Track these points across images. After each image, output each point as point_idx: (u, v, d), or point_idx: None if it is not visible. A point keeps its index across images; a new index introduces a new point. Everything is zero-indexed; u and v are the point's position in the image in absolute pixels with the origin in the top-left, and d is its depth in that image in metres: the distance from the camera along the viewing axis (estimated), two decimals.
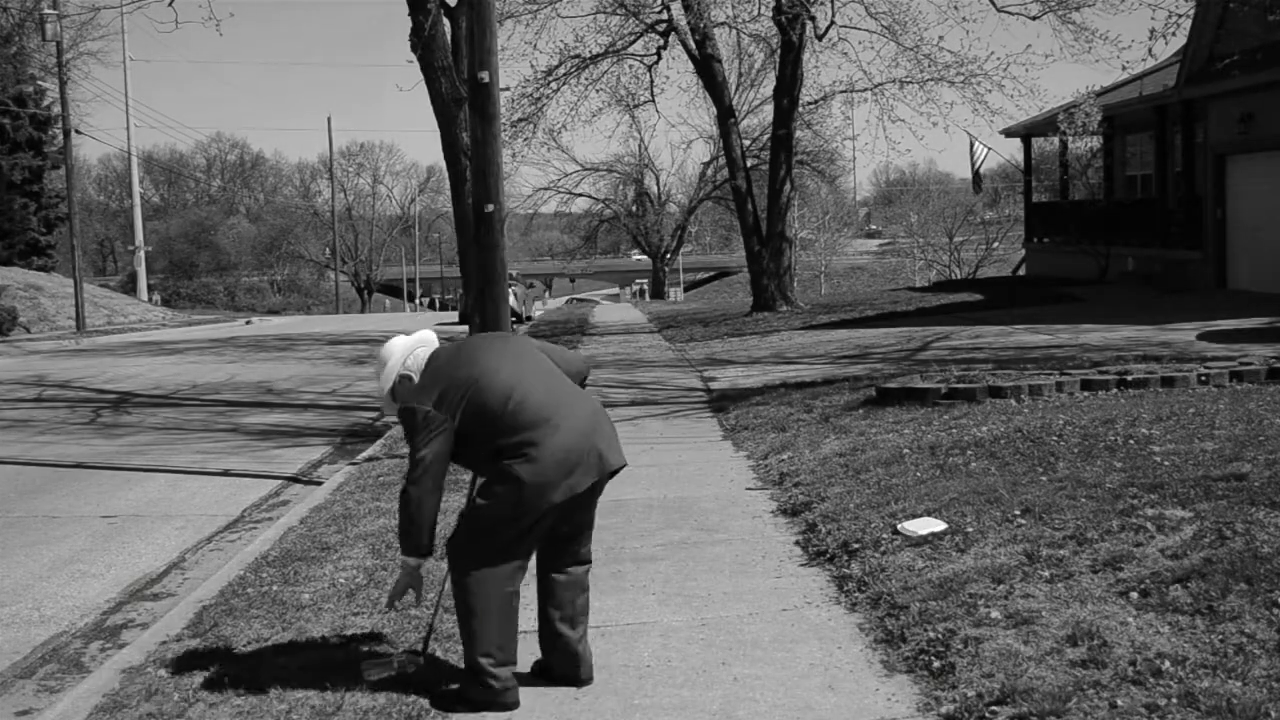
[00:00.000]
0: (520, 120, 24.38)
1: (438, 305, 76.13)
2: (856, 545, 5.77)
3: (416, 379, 4.31)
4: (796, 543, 6.25)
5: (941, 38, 58.94)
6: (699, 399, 12.35)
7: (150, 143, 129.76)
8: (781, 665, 4.52)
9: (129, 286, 57.32)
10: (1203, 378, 9.31)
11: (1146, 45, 23.33)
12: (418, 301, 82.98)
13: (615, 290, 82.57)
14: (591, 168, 54.62)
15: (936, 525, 5.72)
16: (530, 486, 4.07)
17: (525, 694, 4.30)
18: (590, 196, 56.73)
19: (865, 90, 23.87)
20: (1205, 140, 22.14)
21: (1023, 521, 5.53)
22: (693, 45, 24.33)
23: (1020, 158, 32.94)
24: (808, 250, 56.85)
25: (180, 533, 7.94)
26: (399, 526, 4.26)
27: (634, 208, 58.94)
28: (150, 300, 54.18)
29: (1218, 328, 14.99)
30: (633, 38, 24.79)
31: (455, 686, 4.31)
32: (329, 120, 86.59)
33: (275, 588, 5.86)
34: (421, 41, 11.80)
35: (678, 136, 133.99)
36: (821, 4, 22.36)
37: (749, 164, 27.39)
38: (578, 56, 24.14)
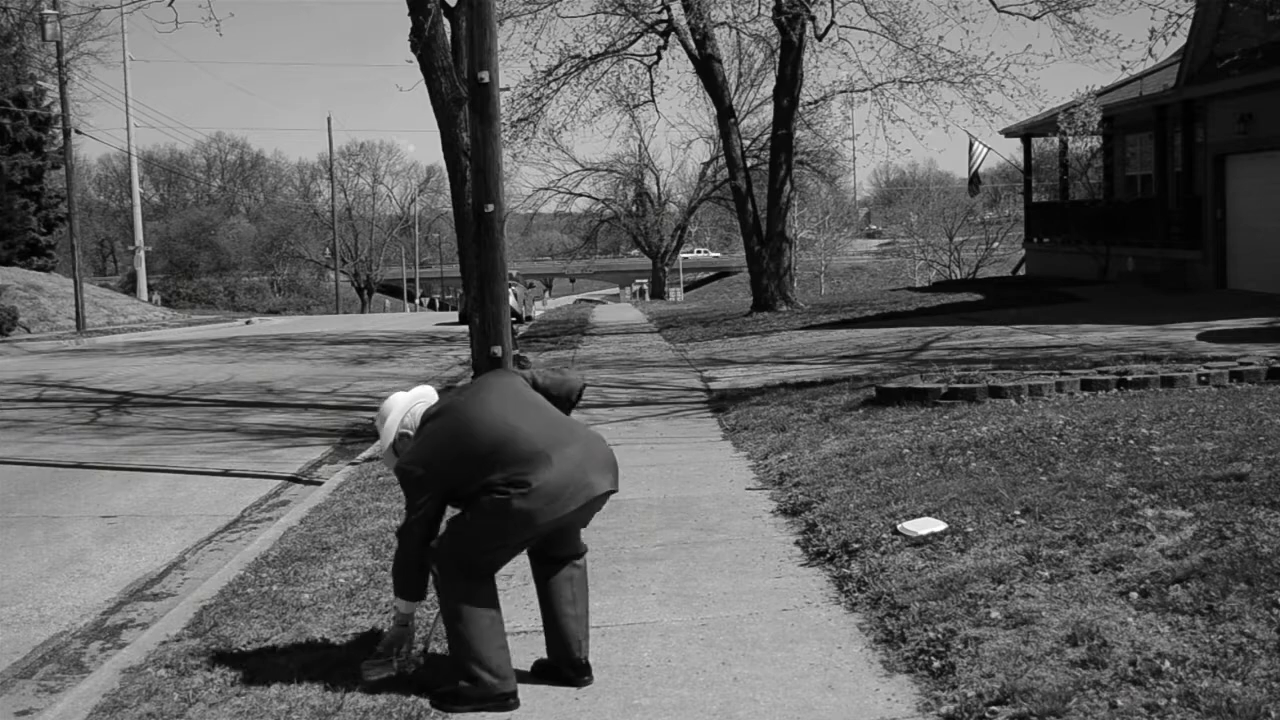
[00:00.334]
0: (520, 120, 24.38)
1: (438, 305, 76.13)
2: (856, 545, 5.77)
3: (413, 436, 4.47)
4: (796, 543, 6.25)
5: (941, 38, 59.11)
6: (699, 399, 12.35)
7: (150, 143, 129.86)
8: (781, 665, 4.52)
9: (129, 286, 57.33)
10: (1203, 378, 9.31)
11: (1146, 45, 23.38)
12: (418, 301, 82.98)
13: (615, 290, 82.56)
14: (591, 168, 54.64)
15: (936, 525, 5.72)
16: (516, 512, 4.15)
17: (525, 694, 4.30)
18: (590, 196, 56.77)
19: (865, 90, 23.89)
20: (1205, 140, 22.13)
21: (1023, 521, 5.53)
22: (693, 45, 24.33)
23: (1020, 158, 32.96)
24: (808, 250, 56.85)
25: (180, 533, 7.94)
26: (393, 574, 4.46)
27: (634, 208, 58.91)
28: (150, 300, 54.19)
29: (1218, 328, 14.99)
30: (633, 38, 24.79)
31: (455, 686, 4.31)
32: (329, 120, 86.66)
33: (275, 588, 5.86)
34: (421, 41, 11.79)
35: (678, 136, 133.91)
36: (821, 4, 22.37)
37: (749, 164, 27.40)
38: (578, 56, 24.14)
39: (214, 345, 25.66)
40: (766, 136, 34.03)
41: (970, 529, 5.57)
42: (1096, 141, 29.21)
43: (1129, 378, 9.33)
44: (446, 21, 12.01)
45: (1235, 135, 20.67)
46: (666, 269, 60.83)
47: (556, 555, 4.47)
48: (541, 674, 4.50)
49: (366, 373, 18.22)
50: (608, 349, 19.85)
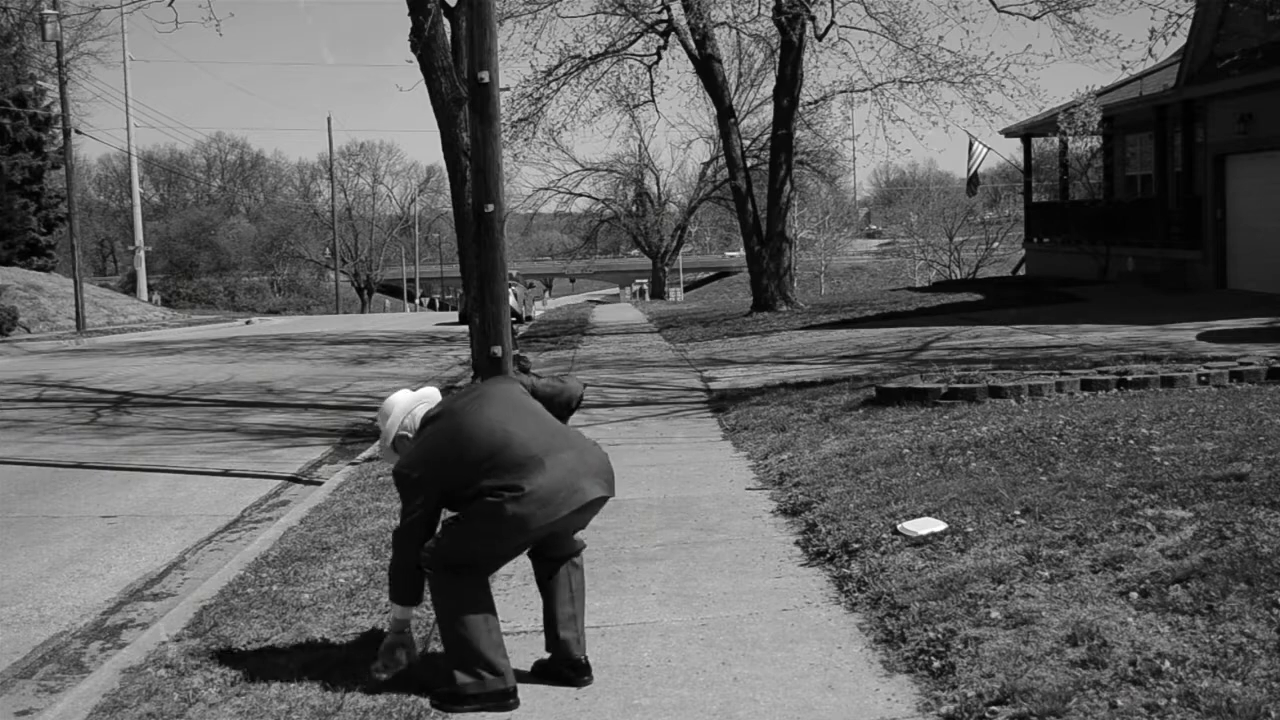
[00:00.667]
0: (520, 120, 24.38)
1: (438, 305, 76.14)
2: (856, 545, 5.77)
3: (412, 438, 4.50)
4: (796, 543, 6.25)
5: (941, 38, 59.13)
6: (699, 399, 12.35)
7: (150, 143, 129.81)
8: (781, 665, 4.52)
9: (129, 286, 57.34)
10: (1203, 378, 9.31)
11: (1146, 45, 23.40)
12: (418, 301, 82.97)
13: (615, 290, 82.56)
14: (591, 168, 54.62)
15: (936, 525, 5.71)
16: (511, 516, 4.15)
17: (525, 694, 4.30)
18: (590, 196, 56.75)
19: (865, 90, 23.89)
20: (1205, 140, 22.13)
21: (1023, 521, 5.53)
22: (693, 45, 24.33)
23: (1020, 158, 32.96)
24: (808, 250, 56.84)
25: (180, 533, 7.94)
26: (389, 578, 4.47)
27: (634, 208, 58.90)
28: (150, 300, 54.20)
29: (1218, 328, 14.99)
30: (633, 38, 24.79)
31: (455, 686, 4.31)
32: (329, 120, 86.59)
33: (275, 588, 5.86)
34: (421, 41, 11.80)
35: (678, 136, 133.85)
36: (821, 4, 22.37)
37: (749, 164, 27.40)
38: (578, 56, 24.13)
39: (214, 345, 25.66)
40: (766, 136, 34.03)
41: (970, 529, 5.57)
42: (1096, 141, 29.22)
43: (1129, 378, 9.33)
44: (446, 21, 12.02)
45: (1235, 135, 20.66)
46: (666, 269, 60.83)
47: (554, 555, 4.49)
48: (541, 674, 4.50)
49: (366, 373, 18.22)
50: (608, 349, 19.85)
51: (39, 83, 45.53)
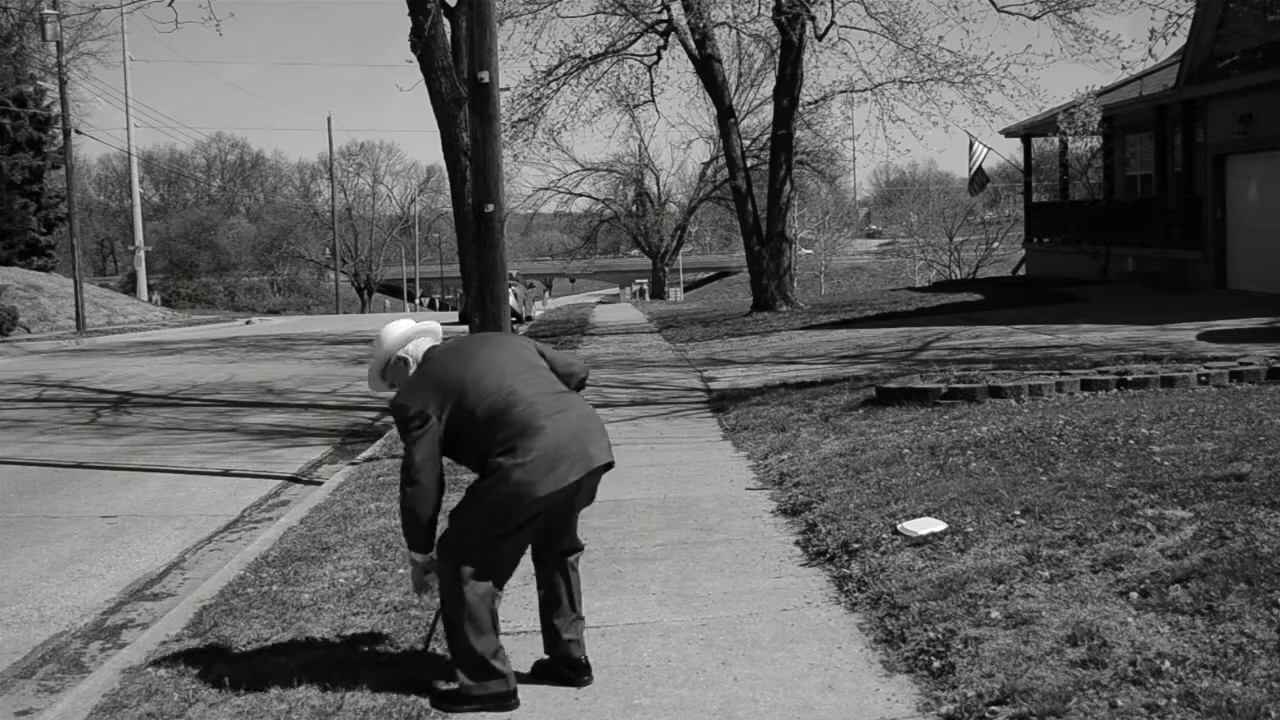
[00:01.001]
0: (520, 120, 24.39)
1: (438, 305, 76.15)
2: (856, 545, 5.77)
3: (411, 369, 4.38)
4: (796, 543, 6.25)
5: (941, 38, 59.15)
6: (699, 399, 12.35)
7: (150, 143, 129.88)
8: (781, 665, 4.52)
9: (129, 286, 57.35)
10: (1203, 378, 9.31)
11: (1146, 45, 23.37)
12: (418, 301, 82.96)
13: (615, 290, 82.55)
14: (591, 168, 54.63)
15: (936, 525, 5.72)
16: (516, 484, 4.07)
17: (525, 694, 4.30)
18: (590, 196, 56.76)
19: (865, 90, 23.89)
20: (1205, 140, 22.13)
21: (1023, 521, 5.53)
22: (693, 45, 24.33)
23: (1020, 158, 32.96)
24: (808, 250, 56.83)
25: (180, 533, 7.94)
26: (401, 523, 4.34)
27: (634, 208, 58.90)
28: (150, 300, 54.21)
29: (1218, 328, 15.00)
30: (633, 38, 24.79)
31: (455, 686, 4.31)
32: (329, 120, 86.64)
33: (275, 588, 5.86)
34: (421, 41, 11.81)
35: (678, 136, 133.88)
36: (821, 4, 22.38)
37: (749, 164, 27.40)
38: (578, 56, 24.14)
39: (214, 345, 25.66)
40: (766, 136, 34.04)
41: (970, 529, 5.57)
42: (1096, 141, 29.21)
43: (1129, 378, 9.34)
44: (446, 21, 12.04)
45: (1235, 135, 20.67)
46: (666, 269, 60.84)
47: (557, 549, 4.43)
48: (541, 674, 4.49)
49: (366, 373, 18.20)
50: (608, 349, 19.86)
51: (39, 83, 45.52)
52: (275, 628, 5.23)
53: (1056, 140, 28.59)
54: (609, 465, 4.31)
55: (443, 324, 5.08)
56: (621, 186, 58.65)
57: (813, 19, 22.44)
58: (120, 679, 4.75)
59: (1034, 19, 21.77)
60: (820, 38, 23.06)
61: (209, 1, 13.66)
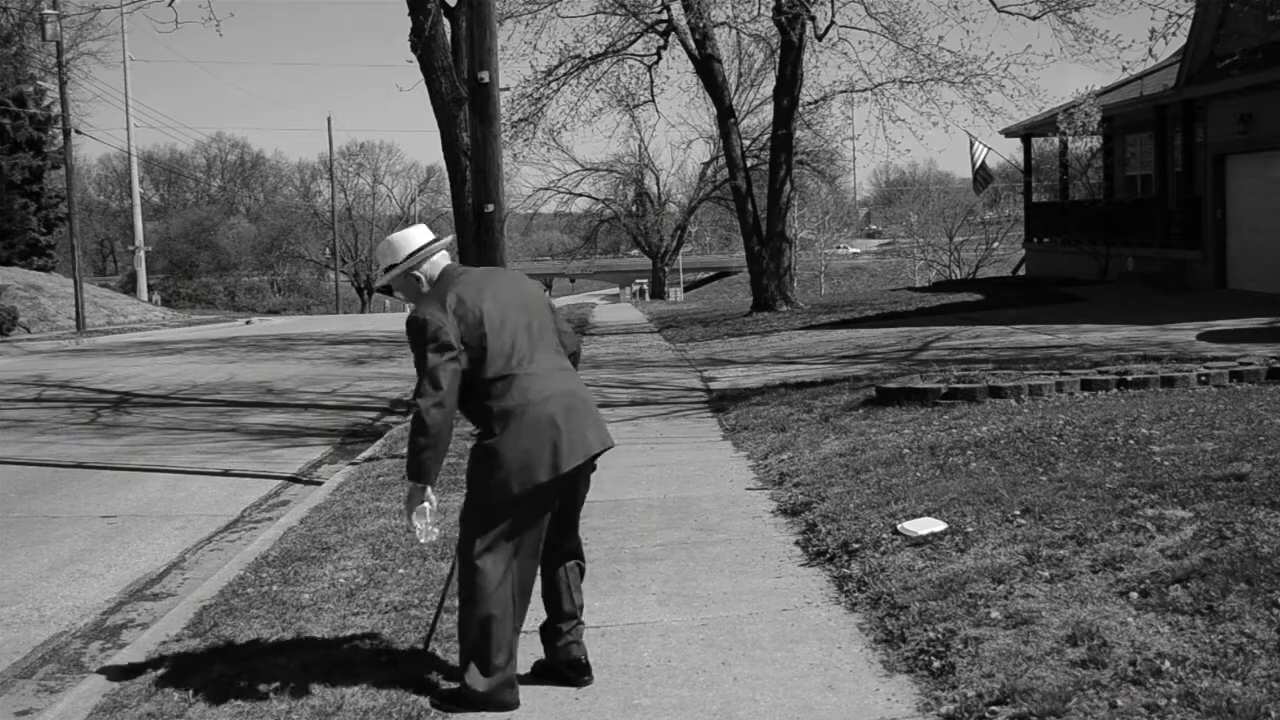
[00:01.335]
0: (520, 120, 24.41)
1: None
2: (856, 545, 5.77)
3: (427, 289, 4.28)
4: (796, 543, 6.25)
5: (941, 38, 59.19)
6: (699, 399, 12.35)
7: (150, 143, 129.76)
8: (781, 665, 4.52)
9: (129, 286, 57.35)
10: (1203, 378, 9.31)
11: (1146, 45, 23.38)
12: None
13: (615, 290, 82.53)
14: (591, 168, 54.65)
15: (936, 525, 5.72)
16: (512, 463, 4.09)
17: (525, 694, 4.30)
18: (590, 196, 56.78)
19: (865, 90, 23.92)
20: (1205, 140, 22.14)
21: (1023, 521, 5.53)
22: (693, 45, 24.34)
23: (1020, 158, 32.95)
24: (808, 250, 56.83)
25: (180, 533, 7.94)
26: (408, 450, 4.13)
27: (634, 208, 58.92)
28: (150, 300, 54.20)
29: (1218, 328, 15.00)
30: (633, 38, 24.81)
31: (455, 686, 4.31)
32: (329, 120, 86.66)
33: (275, 588, 5.86)
34: (421, 41, 11.81)
35: (678, 136, 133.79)
36: (821, 4, 22.38)
37: (749, 164, 27.41)
38: (578, 56, 24.15)
39: (214, 345, 25.66)
40: (766, 136, 34.05)
41: (970, 529, 5.57)
42: (1096, 141, 29.23)
43: (1129, 378, 9.34)
44: (446, 21, 12.03)
45: (1235, 135, 20.67)
46: (666, 269, 60.84)
47: (559, 547, 4.42)
48: (541, 674, 4.49)
49: (367, 373, 18.21)
50: (608, 349, 19.85)
51: (39, 83, 45.54)
52: (275, 628, 5.23)
53: (1056, 140, 28.60)
54: (609, 447, 4.34)
55: None
56: (621, 186, 58.69)
57: (813, 19, 22.45)
58: (120, 679, 4.75)
59: (1034, 19, 21.80)
60: (820, 38, 23.07)
61: (209, 1, 13.66)
